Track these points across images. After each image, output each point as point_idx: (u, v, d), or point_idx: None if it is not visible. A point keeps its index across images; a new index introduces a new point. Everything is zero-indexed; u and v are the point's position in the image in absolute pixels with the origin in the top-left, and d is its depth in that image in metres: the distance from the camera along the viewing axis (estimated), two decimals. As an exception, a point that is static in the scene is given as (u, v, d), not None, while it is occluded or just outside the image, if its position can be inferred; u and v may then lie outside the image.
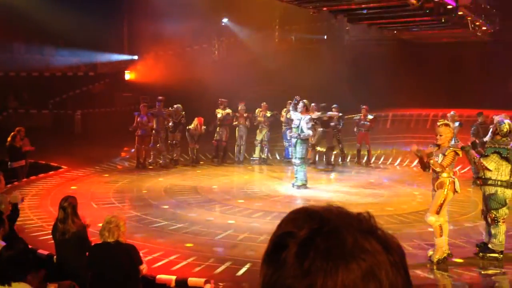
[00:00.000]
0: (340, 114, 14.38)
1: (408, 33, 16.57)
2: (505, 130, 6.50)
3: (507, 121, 6.64)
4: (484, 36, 16.39)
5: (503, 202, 6.43)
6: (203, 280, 5.41)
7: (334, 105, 14.43)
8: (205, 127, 13.78)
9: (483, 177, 6.51)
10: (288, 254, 0.73)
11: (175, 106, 13.79)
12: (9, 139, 11.04)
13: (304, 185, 10.96)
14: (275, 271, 0.74)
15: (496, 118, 6.67)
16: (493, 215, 6.43)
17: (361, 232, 0.74)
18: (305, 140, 10.97)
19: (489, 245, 6.52)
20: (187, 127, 13.65)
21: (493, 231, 6.47)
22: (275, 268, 0.74)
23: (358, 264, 0.70)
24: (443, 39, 18.16)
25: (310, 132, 11.02)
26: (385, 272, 0.71)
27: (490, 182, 6.44)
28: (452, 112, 12.04)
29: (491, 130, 6.87)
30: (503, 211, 6.43)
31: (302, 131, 10.82)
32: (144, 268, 4.75)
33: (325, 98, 15.39)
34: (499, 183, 6.41)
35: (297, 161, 10.94)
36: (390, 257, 0.73)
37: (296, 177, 11.05)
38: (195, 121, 13.65)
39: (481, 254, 6.53)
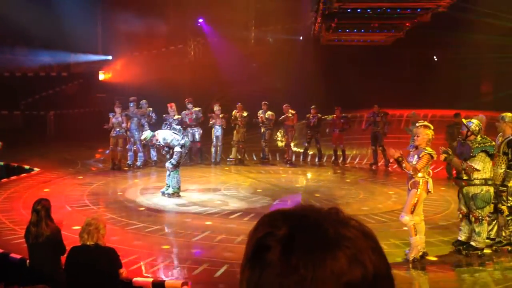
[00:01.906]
0: (319, 114, 14.54)
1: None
2: (477, 128, 6.65)
3: (473, 120, 6.80)
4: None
5: (489, 201, 6.59)
6: (180, 282, 5.36)
7: (312, 106, 14.56)
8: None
9: (465, 178, 6.62)
10: (272, 253, 0.73)
11: (141, 101, 13.71)
12: (-22, 141, 10.76)
13: (176, 193, 10.03)
14: (261, 273, 0.74)
15: (464, 122, 6.87)
16: (478, 214, 6.56)
17: (338, 222, 0.77)
18: (183, 145, 9.96)
19: (473, 243, 6.63)
20: (163, 116, 13.55)
21: (477, 230, 6.59)
22: (260, 270, 0.74)
23: (343, 252, 0.72)
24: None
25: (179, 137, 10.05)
26: (368, 257, 0.74)
27: (476, 182, 6.55)
28: (413, 112, 12.28)
29: (460, 134, 7.00)
30: (487, 209, 6.59)
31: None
32: (123, 271, 4.69)
33: (302, 98, 15.49)
34: (484, 182, 6.54)
35: (170, 166, 9.94)
36: (370, 242, 0.76)
37: (167, 185, 10.09)
38: (169, 107, 13.56)
39: (465, 252, 6.63)
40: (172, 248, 6.97)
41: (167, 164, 10.04)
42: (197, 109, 14.08)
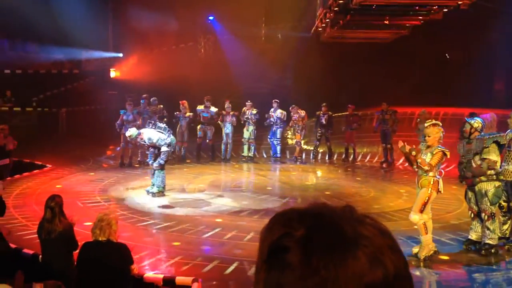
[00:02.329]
0: (329, 112, 14.53)
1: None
2: (480, 125, 6.73)
3: (476, 118, 6.90)
4: None
5: (500, 195, 6.57)
6: (190, 279, 5.38)
7: (323, 104, 14.54)
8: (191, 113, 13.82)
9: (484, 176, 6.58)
10: (292, 255, 0.72)
11: (151, 99, 13.78)
12: (-9, 137, 10.88)
13: (161, 192, 9.86)
14: (280, 275, 0.73)
15: (467, 120, 6.91)
16: (490, 211, 6.53)
17: (355, 221, 0.76)
18: (169, 144, 9.80)
19: (489, 241, 6.59)
20: (175, 113, 13.63)
21: (491, 227, 6.56)
22: (279, 272, 0.73)
23: (362, 251, 0.71)
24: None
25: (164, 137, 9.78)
26: (388, 256, 0.73)
27: (489, 178, 6.54)
28: (423, 110, 12.20)
29: (464, 132, 6.97)
30: (498, 204, 6.55)
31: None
32: (135, 267, 4.71)
33: (313, 96, 15.44)
34: (495, 177, 6.53)
35: (157, 165, 9.76)
36: (387, 240, 0.75)
37: (152, 184, 9.95)
38: (181, 104, 13.67)
39: (483, 251, 6.59)
40: (183, 245, 6.99)
41: (154, 164, 9.77)
42: (214, 109, 14.16)
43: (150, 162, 9.97)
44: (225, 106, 14.41)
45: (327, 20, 13.00)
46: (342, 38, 15.68)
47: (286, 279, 0.72)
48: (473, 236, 6.82)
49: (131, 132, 9.90)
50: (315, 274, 0.70)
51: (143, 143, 10.00)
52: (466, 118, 7.02)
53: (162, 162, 9.75)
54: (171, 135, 10.04)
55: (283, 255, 0.73)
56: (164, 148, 9.66)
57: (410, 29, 13.74)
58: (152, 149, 9.88)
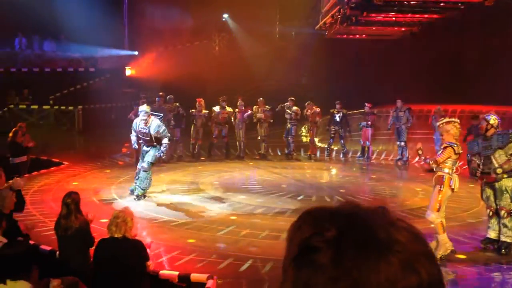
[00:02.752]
0: (344, 110, 14.49)
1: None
2: (496, 122, 6.67)
3: (492, 115, 6.81)
4: None
5: None
6: (205, 276, 5.39)
7: (337, 101, 14.48)
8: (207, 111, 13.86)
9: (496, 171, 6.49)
10: (322, 255, 0.71)
11: (167, 97, 13.85)
12: (10, 134, 11.02)
13: (143, 195, 9.38)
14: (311, 275, 0.71)
15: (484, 116, 6.83)
16: (510, 208, 6.44)
17: (389, 224, 0.73)
18: (170, 138, 9.58)
19: (507, 239, 6.51)
20: (191, 111, 13.70)
21: (509, 224, 6.49)
22: (309, 272, 0.71)
23: (396, 257, 0.69)
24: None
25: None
26: (421, 263, 0.71)
27: (510, 174, 6.47)
28: (438, 108, 12.08)
29: (479, 129, 6.89)
30: None
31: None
32: (150, 264, 4.74)
33: (326, 93, 15.38)
34: None
35: (146, 166, 9.30)
36: (421, 246, 0.73)
37: (135, 184, 9.45)
38: (197, 102, 13.76)
39: (503, 250, 6.51)
40: (198, 242, 7.02)
41: (143, 164, 9.28)
42: (230, 110, 14.21)
43: (139, 165, 9.40)
44: (238, 104, 14.45)
45: (339, 16, 12.93)
46: (348, 34, 15.58)
47: (316, 279, 0.70)
48: (491, 234, 6.73)
49: (143, 108, 9.33)
50: (347, 276, 0.68)
51: (144, 130, 9.23)
52: (485, 116, 6.91)
53: (162, 154, 9.37)
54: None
55: (314, 255, 0.72)
56: (165, 140, 9.31)
57: (420, 26, 13.60)
58: (144, 142, 9.31)
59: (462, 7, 11.34)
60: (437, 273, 0.72)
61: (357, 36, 16.19)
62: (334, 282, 0.69)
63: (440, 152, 6.35)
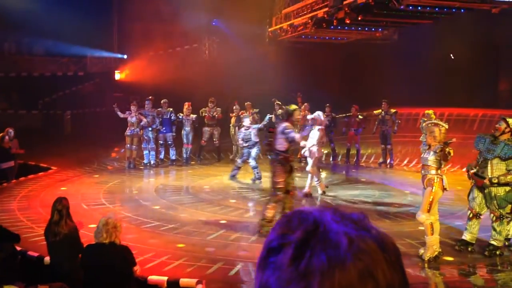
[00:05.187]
0: (333, 114, 14.51)
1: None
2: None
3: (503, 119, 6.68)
4: None
5: (510, 200, 6.49)
6: (195, 280, 5.39)
7: (326, 105, 14.51)
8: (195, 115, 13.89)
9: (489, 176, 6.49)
10: (283, 257, 0.72)
11: (162, 101, 13.83)
12: (-3, 139, 10.95)
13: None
14: (270, 275, 0.73)
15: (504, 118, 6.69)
16: (499, 213, 6.48)
17: (356, 232, 0.74)
18: None
19: (494, 242, 6.56)
20: (178, 115, 13.69)
21: (498, 228, 6.52)
22: (270, 272, 0.73)
23: (354, 264, 0.69)
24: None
25: None
26: (382, 271, 0.71)
27: (499, 184, 6.45)
28: (430, 111, 12.14)
29: (497, 130, 6.70)
30: (508, 208, 6.50)
31: None
32: (137, 269, 4.73)
33: (317, 97, 15.40)
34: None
35: None
36: (386, 256, 0.73)
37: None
38: (185, 106, 13.76)
39: (487, 252, 6.55)
40: (187, 247, 7.00)
41: None
42: (218, 109, 14.24)
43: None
44: (234, 108, 14.49)
45: (309, 20, 13.08)
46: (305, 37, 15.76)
47: (273, 280, 0.72)
48: (467, 236, 6.76)
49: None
50: (301, 279, 0.69)
51: None
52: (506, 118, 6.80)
53: None
54: None
55: (275, 256, 0.73)
56: None
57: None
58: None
59: (465, 12, 11.55)
60: (397, 282, 0.72)
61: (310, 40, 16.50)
62: (289, 283, 0.70)
63: (434, 156, 6.33)
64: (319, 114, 10.07)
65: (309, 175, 10.30)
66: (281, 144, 7.51)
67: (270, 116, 14.08)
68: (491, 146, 6.55)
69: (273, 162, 7.67)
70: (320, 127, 9.99)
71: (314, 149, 9.96)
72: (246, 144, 11.64)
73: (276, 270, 0.72)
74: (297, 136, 7.59)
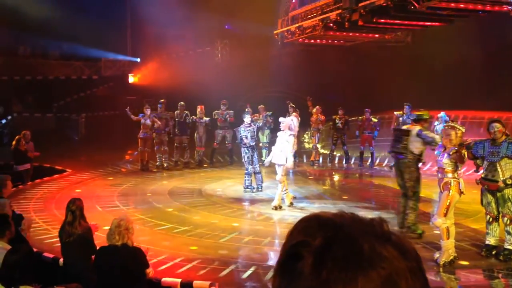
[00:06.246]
0: (346, 116, 14.49)
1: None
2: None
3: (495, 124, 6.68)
4: None
5: None
6: (208, 283, 5.39)
7: (339, 108, 14.50)
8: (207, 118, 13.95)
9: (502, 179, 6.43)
10: (304, 264, 0.71)
11: (179, 104, 13.91)
12: (14, 142, 11.09)
13: None
14: (290, 282, 0.72)
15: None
16: None
17: (376, 238, 0.72)
18: None
19: (509, 246, 6.47)
20: (191, 117, 13.74)
21: None
22: (290, 279, 0.72)
23: (377, 272, 0.68)
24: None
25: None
26: (405, 280, 0.69)
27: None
28: (442, 113, 12.12)
29: (497, 132, 6.71)
30: None
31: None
32: (150, 271, 4.75)
33: (329, 100, 15.39)
34: None
35: None
36: (408, 263, 0.72)
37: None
38: (198, 109, 13.82)
39: (502, 257, 6.47)
40: (200, 249, 7.01)
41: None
42: (229, 110, 14.27)
43: None
44: (245, 110, 14.48)
45: (320, 22, 13.05)
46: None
47: (294, 287, 0.71)
48: (491, 241, 6.69)
49: None
50: (323, 287, 0.68)
51: None
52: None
53: None
54: None
55: (296, 263, 0.72)
56: None
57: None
58: None
59: (483, 15, 11.44)
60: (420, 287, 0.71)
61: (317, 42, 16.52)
62: None
63: (449, 158, 6.29)
64: (292, 119, 9.57)
65: (279, 185, 9.44)
66: (416, 148, 7.43)
67: (268, 114, 14.09)
68: (493, 149, 6.50)
69: (408, 165, 7.49)
70: (292, 133, 9.43)
71: (290, 156, 9.22)
72: (253, 143, 11.18)
73: (297, 277, 0.71)
74: (436, 137, 7.40)
